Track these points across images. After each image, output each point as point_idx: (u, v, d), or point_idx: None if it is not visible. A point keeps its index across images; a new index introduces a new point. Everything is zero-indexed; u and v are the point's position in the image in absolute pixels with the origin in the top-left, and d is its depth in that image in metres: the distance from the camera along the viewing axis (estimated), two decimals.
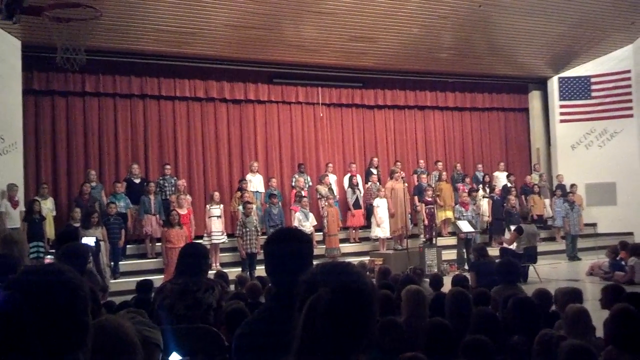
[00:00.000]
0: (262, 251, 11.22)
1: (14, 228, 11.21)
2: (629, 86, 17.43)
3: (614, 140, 17.51)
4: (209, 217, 13.17)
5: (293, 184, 14.75)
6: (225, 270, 11.19)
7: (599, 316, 4.92)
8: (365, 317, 1.52)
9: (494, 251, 13.24)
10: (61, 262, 3.83)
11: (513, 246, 12.65)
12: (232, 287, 8.37)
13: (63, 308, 1.56)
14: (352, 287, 1.53)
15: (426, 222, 14.28)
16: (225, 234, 13.30)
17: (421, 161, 16.58)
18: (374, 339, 1.55)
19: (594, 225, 16.83)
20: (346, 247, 14.42)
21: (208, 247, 11.94)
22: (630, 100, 17.45)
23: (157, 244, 12.69)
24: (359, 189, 15.06)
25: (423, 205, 14.53)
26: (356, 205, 14.92)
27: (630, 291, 5.36)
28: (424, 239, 14.05)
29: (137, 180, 13.31)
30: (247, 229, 12.47)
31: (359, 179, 15.30)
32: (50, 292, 1.56)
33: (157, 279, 9.45)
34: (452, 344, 3.95)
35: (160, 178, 13.62)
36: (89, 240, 9.10)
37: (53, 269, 1.67)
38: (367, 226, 14.99)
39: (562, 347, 3.67)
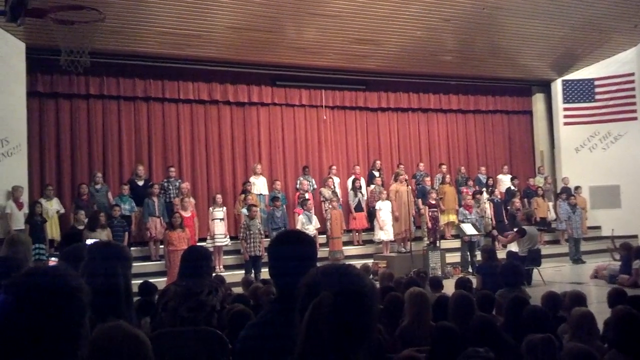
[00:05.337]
0: (266, 254, 11.27)
1: (19, 229, 11.25)
2: (633, 89, 17.43)
3: (617, 143, 17.50)
4: (212, 220, 13.18)
5: (297, 186, 14.76)
6: (228, 273, 11.25)
7: (604, 319, 4.91)
8: (367, 319, 1.53)
9: (498, 253, 13.25)
10: (64, 264, 3.83)
11: (514, 247, 12.63)
12: (234, 289, 8.37)
13: (57, 314, 1.48)
14: (354, 289, 1.53)
15: (429, 225, 14.28)
16: (228, 236, 13.31)
17: (421, 164, 16.49)
18: (375, 340, 1.56)
19: (598, 228, 16.80)
20: (350, 250, 14.42)
21: (211, 249, 11.97)
22: (634, 103, 17.44)
23: (161, 246, 12.70)
24: (361, 192, 15.06)
25: (426, 208, 14.53)
26: (358, 208, 14.92)
27: (632, 294, 5.34)
28: (428, 242, 14.04)
29: (141, 183, 13.34)
30: (251, 232, 12.47)
31: (362, 181, 15.31)
32: (46, 297, 1.49)
33: (161, 282, 9.47)
34: (458, 348, 3.93)
35: (165, 181, 13.64)
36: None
37: (53, 271, 1.58)
38: (371, 229, 14.99)
39: (565, 350, 3.66)
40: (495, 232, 15.05)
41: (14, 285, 1.52)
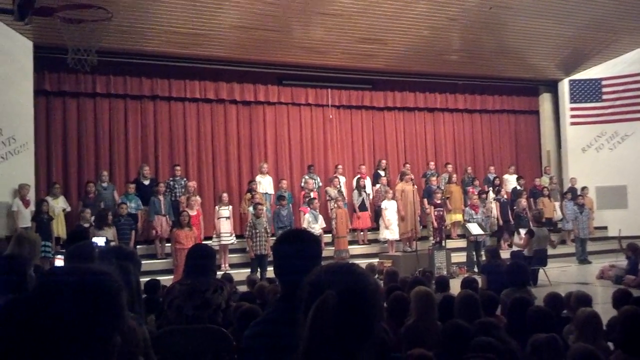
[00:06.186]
0: (272, 252, 11.29)
1: (25, 227, 11.30)
2: None
3: (624, 143, 17.43)
4: (218, 218, 13.21)
5: (302, 185, 14.76)
6: (234, 272, 11.26)
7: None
8: (371, 317, 1.53)
9: (504, 254, 13.23)
10: (71, 262, 3.84)
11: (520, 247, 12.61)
12: (240, 288, 8.39)
13: (95, 316, 1.42)
14: (357, 288, 1.53)
15: (435, 224, 14.26)
16: (234, 235, 13.34)
17: (431, 163, 16.53)
18: (379, 339, 1.55)
19: (604, 228, 16.74)
20: (355, 249, 14.41)
21: (217, 248, 12.01)
22: None
23: (167, 244, 12.73)
24: (365, 191, 15.05)
25: (432, 207, 14.51)
26: (362, 207, 14.91)
27: (638, 295, 5.32)
28: (434, 242, 14.02)
29: (146, 182, 13.35)
30: (257, 231, 12.48)
31: (367, 181, 15.30)
32: (88, 296, 1.42)
33: (167, 280, 9.50)
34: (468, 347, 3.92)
35: (171, 179, 13.67)
36: (99, 240, 9.13)
37: (96, 271, 1.51)
38: (375, 228, 14.98)
39: (571, 351, 3.65)
40: (507, 237, 14.99)
41: (46, 284, 1.45)
